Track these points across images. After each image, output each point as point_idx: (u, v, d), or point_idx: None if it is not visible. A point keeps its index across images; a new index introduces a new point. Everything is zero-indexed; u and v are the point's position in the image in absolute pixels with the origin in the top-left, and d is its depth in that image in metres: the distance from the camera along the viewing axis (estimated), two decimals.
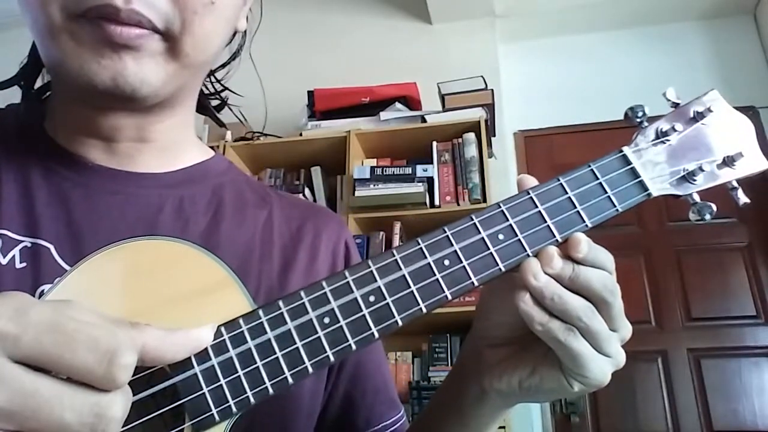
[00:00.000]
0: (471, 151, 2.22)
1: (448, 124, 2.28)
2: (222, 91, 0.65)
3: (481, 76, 2.42)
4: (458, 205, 2.15)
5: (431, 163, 2.24)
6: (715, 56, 2.83)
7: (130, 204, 0.50)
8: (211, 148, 0.62)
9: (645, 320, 2.45)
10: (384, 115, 2.35)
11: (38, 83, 0.57)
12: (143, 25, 0.43)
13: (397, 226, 2.16)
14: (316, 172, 2.41)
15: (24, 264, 0.44)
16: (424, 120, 2.32)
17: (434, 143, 2.28)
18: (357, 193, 2.21)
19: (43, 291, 0.44)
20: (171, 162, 0.55)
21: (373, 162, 2.36)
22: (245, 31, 0.60)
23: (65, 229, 0.47)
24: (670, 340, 2.42)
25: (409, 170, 2.22)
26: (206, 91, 0.64)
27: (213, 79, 0.64)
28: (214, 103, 0.66)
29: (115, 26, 0.42)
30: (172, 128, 0.54)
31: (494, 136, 2.42)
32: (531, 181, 0.44)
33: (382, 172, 2.23)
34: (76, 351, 0.28)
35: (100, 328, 0.29)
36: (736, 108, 0.48)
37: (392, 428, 0.61)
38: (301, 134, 2.40)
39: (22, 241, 0.45)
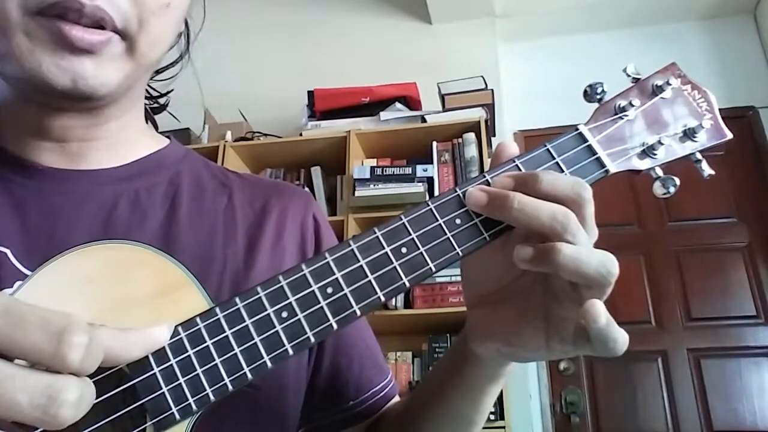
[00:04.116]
0: (471, 151, 2.22)
1: (448, 124, 2.28)
2: (161, 96, 0.65)
3: (481, 76, 2.42)
4: None
5: (431, 163, 2.24)
6: (715, 56, 2.83)
7: (84, 202, 0.50)
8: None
9: (645, 320, 2.45)
10: (384, 115, 2.35)
11: None
12: (105, 24, 0.43)
13: None
14: (316, 172, 2.41)
15: None
16: (424, 120, 2.32)
17: (434, 143, 2.27)
18: (357, 193, 2.21)
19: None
20: (124, 156, 0.54)
21: (373, 162, 2.35)
22: (188, 35, 0.61)
23: (21, 234, 0.47)
24: (670, 340, 2.42)
25: (409, 170, 2.22)
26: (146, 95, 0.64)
27: (157, 82, 0.64)
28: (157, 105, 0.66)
29: (77, 31, 0.42)
30: (122, 125, 0.54)
31: (494, 136, 2.42)
32: (512, 147, 0.44)
33: (382, 172, 2.23)
34: (26, 331, 0.28)
35: (51, 313, 0.29)
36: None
37: (382, 393, 0.61)
38: (301, 134, 2.40)
39: None
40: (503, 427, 1.86)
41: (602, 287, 0.38)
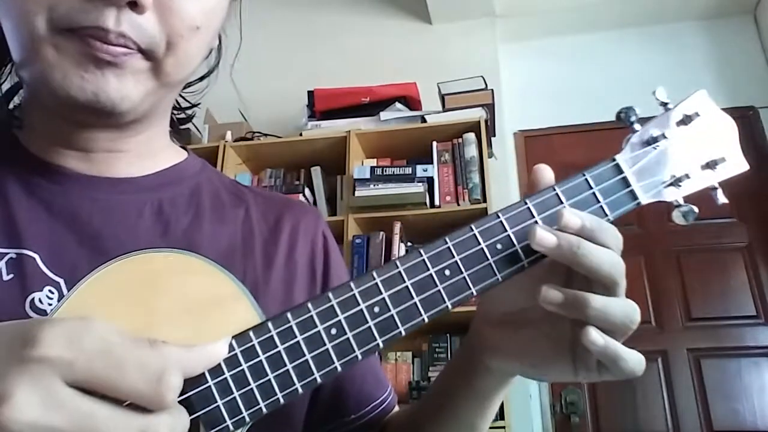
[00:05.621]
0: (471, 151, 2.22)
1: (448, 124, 2.28)
2: (190, 107, 0.66)
3: (481, 76, 2.42)
4: (458, 205, 2.15)
5: (431, 163, 2.24)
6: (715, 56, 2.83)
7: (111, 210, 0.51)
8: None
9: (645, 320, 2.44)
10: (384, 115, 2.35)
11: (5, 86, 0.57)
12: (129, 47, 0.44)
13: (397, 226, 2.16)
14: (316, 172, 2.41)
15: (11, 275, 0.45)
16: (424, 120, 2.32)
17: (434, 143, 2.28)
18: (357, 193, 2.21)
19: (32, 300, 0.44)
20: (148, 166, 0.55)
21: (373, 162, 2.36)
22: (220, 47, 0.61)
23: (48, 238, 0.48)
24: (670, 340, 2.42)
25: (409, 170, 2.22)
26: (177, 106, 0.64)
27: (186, 94, 0.64)
28: (182, 115, 0.67)
29: (101, 44, 0.43)
30: (146, 138, 0.54)
31: (494, 136, 2.42)
32: (548, 173, 0.45)
33: (382, 172, 2.23)
34: (124, 373, 0.30)
35: (147, 353, 0.31)
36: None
37: (382, 407, 0.62)
38: (301, 134, 2.40)
39: (7, 253, 0.46)
40: (503, 427, 1.86)
41: (624, 333, 0.41)
